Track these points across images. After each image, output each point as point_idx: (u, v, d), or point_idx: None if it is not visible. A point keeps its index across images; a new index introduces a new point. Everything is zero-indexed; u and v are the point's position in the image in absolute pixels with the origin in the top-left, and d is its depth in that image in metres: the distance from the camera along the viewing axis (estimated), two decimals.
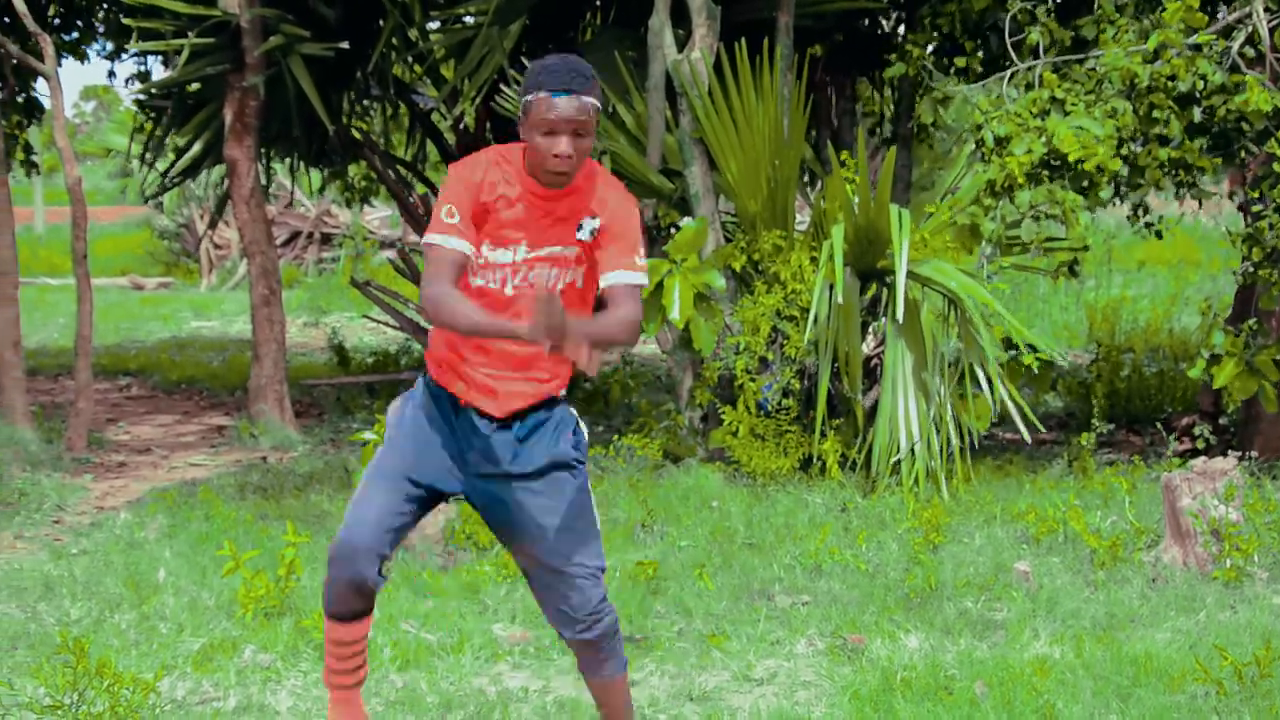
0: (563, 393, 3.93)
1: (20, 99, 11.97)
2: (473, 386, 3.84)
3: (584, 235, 3.77)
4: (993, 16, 8.62)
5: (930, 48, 9.06)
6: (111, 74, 13.43)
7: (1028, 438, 7.97)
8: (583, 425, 3.98)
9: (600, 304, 3.79)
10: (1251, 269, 8.07)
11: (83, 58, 12.30)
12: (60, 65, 9.88)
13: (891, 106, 10.28)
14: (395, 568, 6.43)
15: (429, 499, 3.89)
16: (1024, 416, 7.76)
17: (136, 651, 5.38)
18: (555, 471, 3.87)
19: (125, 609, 5.93)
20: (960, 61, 8.74)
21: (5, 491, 7.99)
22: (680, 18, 8.87)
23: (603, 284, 3.73)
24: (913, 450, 7.77)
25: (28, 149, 12.69)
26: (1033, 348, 8.11)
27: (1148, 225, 8.52)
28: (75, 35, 12.14)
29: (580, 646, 3.94)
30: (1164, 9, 7.74)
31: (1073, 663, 5.13)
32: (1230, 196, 8.95)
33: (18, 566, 6.66)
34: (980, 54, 8.79)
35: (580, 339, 3.32)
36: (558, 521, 3.84)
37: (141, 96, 11.38)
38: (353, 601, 3.85)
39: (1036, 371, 8.15)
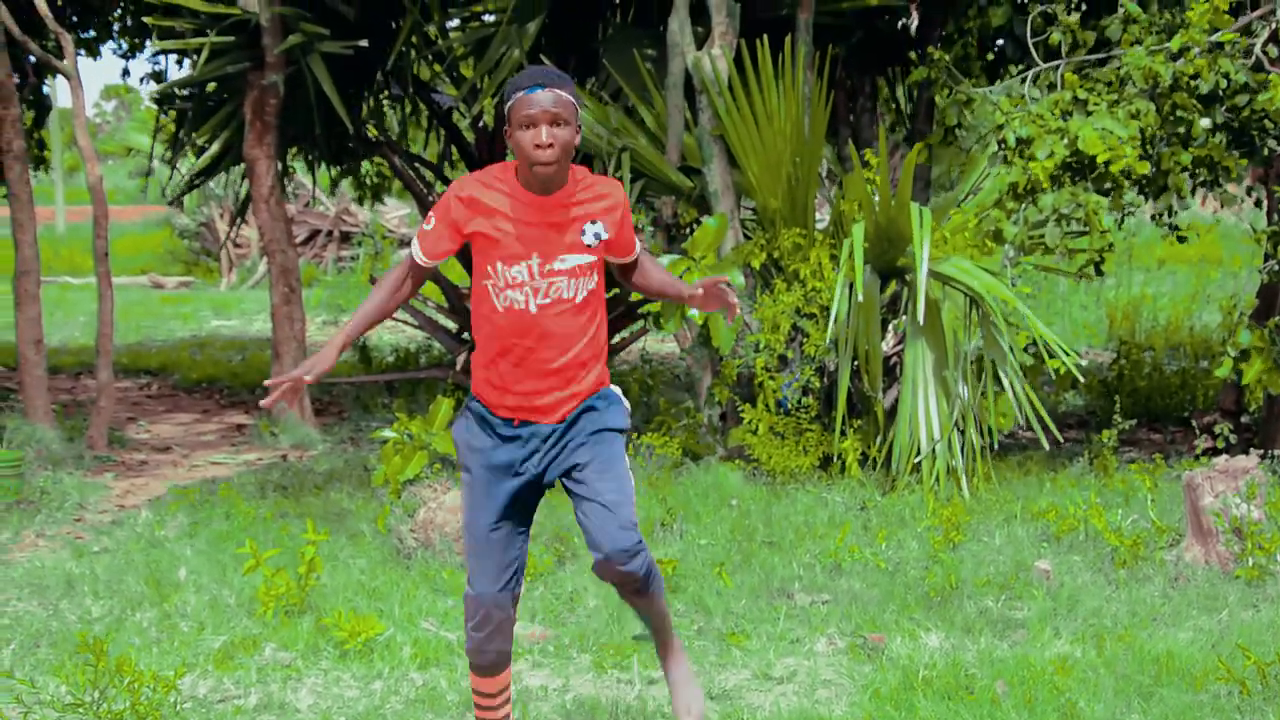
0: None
1: (31, 98, 12.01)
2: (521, 407, 3.94)
3: (591, 240, 3.90)
4: (1009, 23, 8.57)
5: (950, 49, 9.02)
6: (126, 73, 13.51)
7: (1045, 444, 7.88)
8: (626, 402, 4.09)
9: (608, 278, 4.11)
10: (1276, 266, 8.02)
11: (95, 54, 12.32)
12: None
13: (909, 105, 10.24)
14: (415, 565, 6.44)
15: (527, 516, 4.05)
16: (1042, 423, 7.69)
17: (157, 649, 5.40)
18: (601, 432, 3.97)
19: (146, 607, 5.95)
20: (989, 57, 8.69)
21: (27, 490, 8.01)
22: (700, 15, 8.85)
23: (630, 259, 4.11)
24: (933, 449, 7.74)
25: (40, 145, 12.73)
26: (1052, 352, 8.03)
27: (1174, 229, 8.44)
28: (92, 33, 12.16)
29: (624, 576, 3.96)
30: (1189, 8, 7.67)
31: (1094, 661, 5.11)
32: (1248, 192, 8.89)
33: (40, 564, 6.69)
34: (992, 56, 8.73)
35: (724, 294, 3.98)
36: (605, 459, 3.94)
37: (158, 98, 11.40)
38: (497, 644, 4.05)
39: (1060, 373, 8.09)
